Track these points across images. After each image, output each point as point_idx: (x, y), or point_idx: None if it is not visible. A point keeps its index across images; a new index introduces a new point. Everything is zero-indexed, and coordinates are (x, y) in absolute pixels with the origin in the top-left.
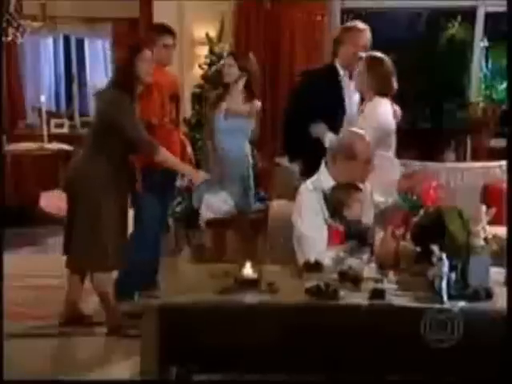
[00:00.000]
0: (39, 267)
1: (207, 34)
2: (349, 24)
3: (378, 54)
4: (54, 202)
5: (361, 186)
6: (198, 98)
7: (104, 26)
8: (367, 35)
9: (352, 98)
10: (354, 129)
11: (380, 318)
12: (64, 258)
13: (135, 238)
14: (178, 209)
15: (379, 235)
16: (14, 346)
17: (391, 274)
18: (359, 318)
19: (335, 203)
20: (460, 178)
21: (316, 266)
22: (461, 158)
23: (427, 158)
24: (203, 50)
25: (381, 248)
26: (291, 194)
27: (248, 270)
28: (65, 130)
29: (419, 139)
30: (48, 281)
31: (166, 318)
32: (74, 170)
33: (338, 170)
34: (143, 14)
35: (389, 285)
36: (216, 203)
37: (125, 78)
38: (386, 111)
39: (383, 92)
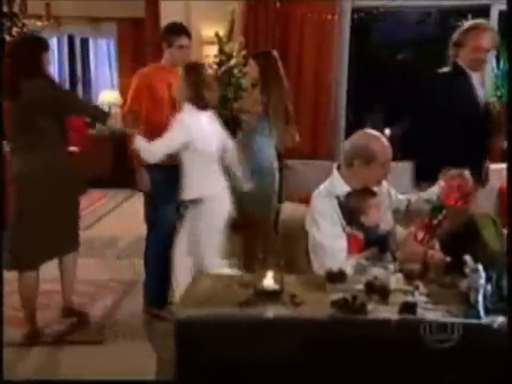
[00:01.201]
0: (43, 270)
1: (217, 34)
2: (470, 23)
3: (196, 63)
4: None
5: (375, 188)
6: None
7: (108, 26)
8: (491, 35)
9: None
10: (369, 130)
11: (412, 333)
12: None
13: (150, 239)
14: None
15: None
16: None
17: (421, 286)
18: (389, 334)
19: (351, 210)
20: None
21: (339, 276)
22: None
23: None
24: (211, 50)
25: (402, 253)
26: (301, 197)
27: (269, 281)
28: None
29: None
30: (51, 285)
31: (182, 331)
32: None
33: (353, 174)
34: (149, 14)
35: (419, 297)
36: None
37: None
38: (192, 121)
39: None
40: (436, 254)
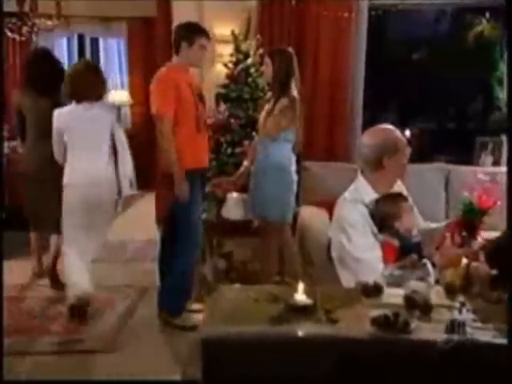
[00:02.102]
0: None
1: (233, 32)
2: None
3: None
4: None
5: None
6: (223, 98)
7: (119, 26)
8: None
9: None
10: (376, 127)
11: (461, 355)
12: None
13: (177, 248)
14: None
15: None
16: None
17: (467, 302)
18: (435, 356)
19: (384, 216)
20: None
21: (375, 290)
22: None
23: (461, 162)
24: (224, 49)
25: (441, 259)
26: (318, 200)
27: (301, 295)
28: None
29: (448, 140)
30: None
31: (209, 350)
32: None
33: (382, 175)
34: (161, 13)
35: (466, 314)
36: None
37: None
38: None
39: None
40: (481, 266)
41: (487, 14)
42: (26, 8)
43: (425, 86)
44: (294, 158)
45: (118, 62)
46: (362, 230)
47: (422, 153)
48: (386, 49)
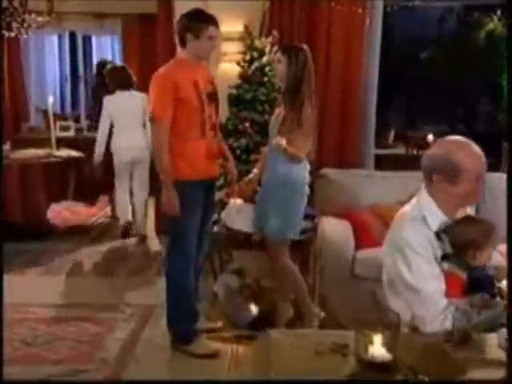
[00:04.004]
0: (45, 293)
1: (246, 28)
2: None
3: None
4: (60, 213)
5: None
6: (235, 100)
7: (113, 22)
8: None
9: None
10: (453, 137)
11: None
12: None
13: (174, 258)
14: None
15: None
16: None
17: None
18: None
19: (465, 244)
20: None
21: (464, 338)
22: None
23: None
24: (230, 47)
25: None
26: (339, 211)
27: (379, 348)
28: (71, 133)
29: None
30: (56, 311)
31: None
32: None
33: (457, 193)
34: (162, 9)
35: None
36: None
37: None
38: None
39: None
40: None
41: (499, 12)
42: (16, 3)
43: (433, 86)
44: (307, 168)
45: (112, 61)
46: (426, 256)
47: None
48: (393, 47)
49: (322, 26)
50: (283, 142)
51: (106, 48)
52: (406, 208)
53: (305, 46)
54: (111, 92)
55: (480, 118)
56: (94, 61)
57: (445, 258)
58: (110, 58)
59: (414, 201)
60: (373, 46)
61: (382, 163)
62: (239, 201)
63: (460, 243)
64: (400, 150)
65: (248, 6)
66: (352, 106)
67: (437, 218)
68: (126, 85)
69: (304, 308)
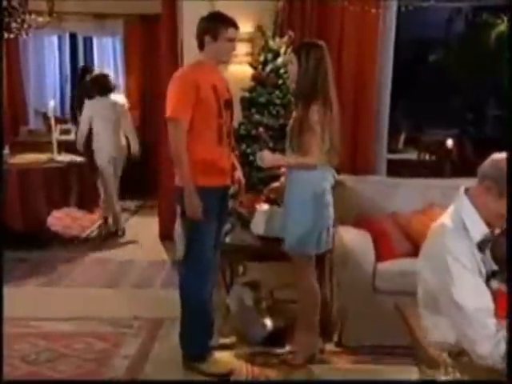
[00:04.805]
0: (46, 305)
1: (260, 28)
2: None
3: None
4: (61, 220)
5: None
6: (248, 103)
7: (114, 23)
8: None
9: None
10: None
11: None
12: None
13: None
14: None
15: None
16: None
17: None
18: None
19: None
20: None
21: None
22: None
23: None
24: (239, 48)
25: None
26: (358, 220)
27: None
28: (71, 136)
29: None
30: (58, 326)
31: None
32: None
33: (482, 197)
34: (166, 10)
35: None
36: None
37: None
38: None
39: None
40: None
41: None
42: (15, 3)
43: (442, 89)
44: (328, 175)
45: (114, 63)
46: (470, 268)
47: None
48: (400, 48)
49: (334, 26)
50: (267, 157)
51: (108, 49)
52: (444, 218)
53: (320, 42)
54: (91, 97)
55: (490, 121)
56: (96, 62)
57: (493, 275)
58: (111, 59)
59: (450, 210)
60: (386, 46)
61: (393, 168)
62: (265, 206)
63: (504, 256)
64: (411, 155)
65: (257, 6)
66: (365, 107)
67: (478, 227)
68: (105, 91)
69: (303, 336)
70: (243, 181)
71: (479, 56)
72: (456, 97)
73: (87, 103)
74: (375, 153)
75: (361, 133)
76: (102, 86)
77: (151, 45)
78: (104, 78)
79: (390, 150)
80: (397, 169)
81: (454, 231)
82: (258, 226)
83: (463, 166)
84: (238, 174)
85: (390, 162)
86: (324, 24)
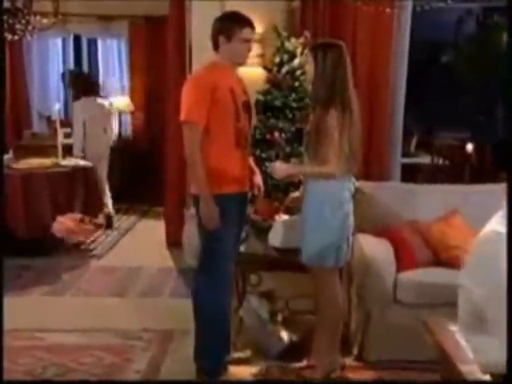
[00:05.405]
0: (52, 316)
1: (275, 27)
2: None
3: None
4: (66, 225)
5: None
6: (263, 107)
7: (119, 25)
8: None
9: None
10: None
11: None
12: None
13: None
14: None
15: None
16: None
17: None
18: None
19: None
20: None
21: None
22: None
23: None
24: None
25: None
26: (377, 228)
27: None
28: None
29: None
30: (64, 338)
31: None
32: None
33: None
34: (174, 11)
35: None
36: None
37: None
38: None
39: None
40: None
41: None
42: (19, 4)
43: (453, 91)
44: (347, 184)
45: (119, 65)
46: None
47: (484, 170)
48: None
49: (347, 26)
50: (279, 168)
51: (112, 51)
52: (494, 225)
53: (338, 42)
54: (77, 98)
55: (500, 124)
56: (100, 65)
57: None
58: (116, 61)
59: (498, 217)
60: (401, 47)
61: (407, 173)
62: (284, 216)
63: None
64: (424, 159)
65: (268, 6)
66: (379, 110)
67: None
68: (90, 91)
69: (323, 351)
70: (262, 187)
71: (490, 58)
72: (467, 99)
73: (76, 105)
74: (389, 157)
75: (375, 136)
76: (87, 86)
77: (156, 46)
78: (87, 77)
79: (402, 154)
80: (411, 173)
81: (502, 242)
82: (275, 238)
83: (483, 170)
84: (258, 178)
85: (403, 167)
86: (336, 24)
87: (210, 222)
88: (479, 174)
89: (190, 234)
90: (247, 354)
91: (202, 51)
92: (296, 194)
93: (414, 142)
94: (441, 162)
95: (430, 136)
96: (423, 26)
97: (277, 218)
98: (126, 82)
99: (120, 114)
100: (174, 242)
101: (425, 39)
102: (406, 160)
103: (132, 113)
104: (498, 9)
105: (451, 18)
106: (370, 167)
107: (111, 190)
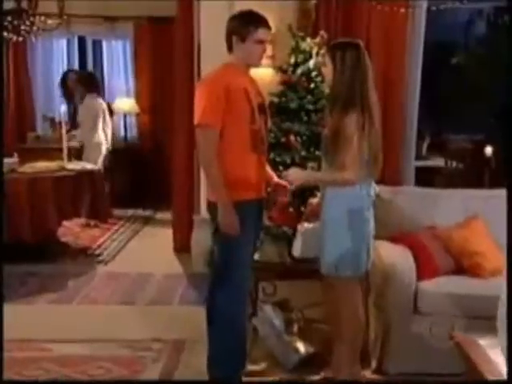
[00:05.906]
0: (58, 325)
1: (290, 27)
2: None
3: None
4: (72, 231)
5: None
6: (277, 109)
7: (124, 26)
8: None
9: None
10: None
11: None
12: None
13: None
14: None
15: None
16: None
17: None
18: None
19: None
20: None
21: None
22: None
23: None
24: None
25: None
26: (396, 235)
27: None
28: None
29: None
30: (72, 348)
31: None
32: None
33: None
34: (183, 11)
35: None
36: None
37: None
38: None
39: None
40: None
41: None
42: (24, 5)
43: (464, 92)
44: (367, 190)
45: (124, 67)
46: None
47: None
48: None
49: (360, 26)
50: (295, 175)
51: (117, 52)
52: None
53: (357, 41)
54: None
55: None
56: (105, 66)
57: None
58: (121, 62)
59: None
60: (416, 48)
61: (421, 177)
62: (306, 224)
63: None
64: (437, 162)
65: (279, 5)
66: (393, 111)
67: None
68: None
69: (343, 364)
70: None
71: (501, 58)
72: (478, 101)
73: (85, 103)
74: (403, 160)
75: (389, 139)
76: (89, 85)
77: (162, 48)
78: (90, 76)
79: (415, 157)
80: (424, 176)
81: None
82: (296, 248)
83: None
84: (276, 180)
85: (416, 170)
86: (350, 24)
87: (231, 230)
88: (498, 178)
89: (200, 240)
90: (262, 366)
91: (210, 52)
92: (315, 199)
93: (425, 144)
94: (454, 164)
95: (440, 138)
96: (434, 27)
97: (299, 227)
98: (131, 84)
99: (125, 116)
100: (180, 247)
101: (435, 40)
102: (419, 163)
103: (137, 115)
104: (508, 9)
105: (462, 19)
106: (384, 170)
107: (114, 194)
